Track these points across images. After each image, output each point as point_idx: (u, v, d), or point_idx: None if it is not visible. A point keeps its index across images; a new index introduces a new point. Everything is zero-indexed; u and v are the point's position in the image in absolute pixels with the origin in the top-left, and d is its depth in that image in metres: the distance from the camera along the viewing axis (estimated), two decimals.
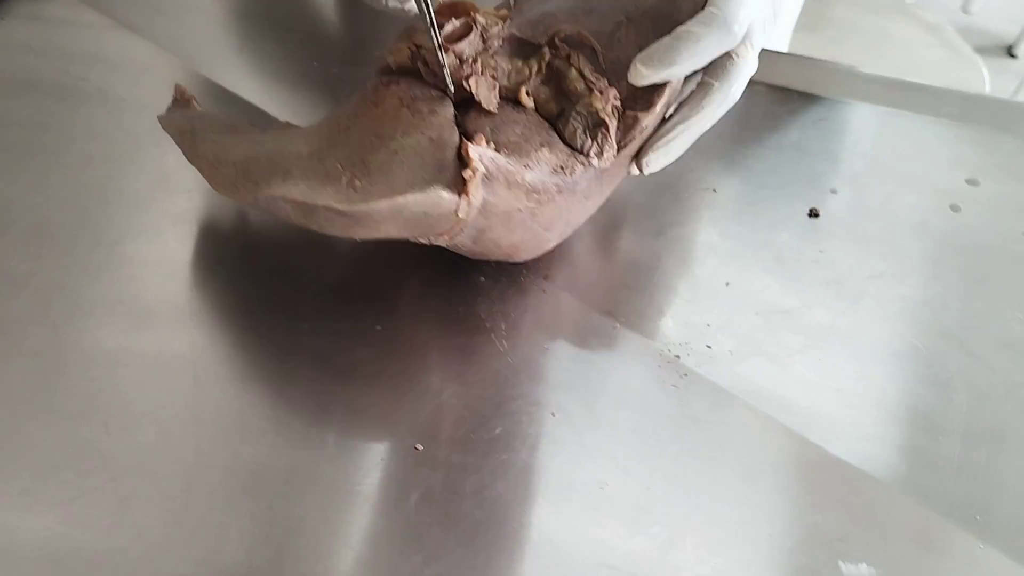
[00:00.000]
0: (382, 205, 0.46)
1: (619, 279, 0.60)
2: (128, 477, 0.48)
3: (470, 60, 0.51)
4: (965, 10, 2.32)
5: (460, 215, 0.48)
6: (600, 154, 0.51)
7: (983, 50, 2.41)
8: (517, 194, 0.49)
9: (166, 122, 0.55)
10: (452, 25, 0.52)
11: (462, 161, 0.47)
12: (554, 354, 0.55)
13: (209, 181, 0.51)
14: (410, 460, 0.50)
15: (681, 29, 0.49)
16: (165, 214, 0.60)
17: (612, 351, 0.56)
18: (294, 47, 0.74)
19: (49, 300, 0.54)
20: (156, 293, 0.56)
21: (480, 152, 0.47)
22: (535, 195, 0.50)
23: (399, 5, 0.50)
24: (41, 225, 0.58)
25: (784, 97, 0.73)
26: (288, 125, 0.57)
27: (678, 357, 0.56)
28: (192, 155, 0.52)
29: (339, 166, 0.48)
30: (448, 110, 0.51)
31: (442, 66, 0.50)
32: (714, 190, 0.65)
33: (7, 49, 0.70)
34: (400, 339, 0.55)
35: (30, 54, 0.70)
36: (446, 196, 0.46)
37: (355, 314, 0.56)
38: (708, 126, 0.53)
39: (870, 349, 0.57)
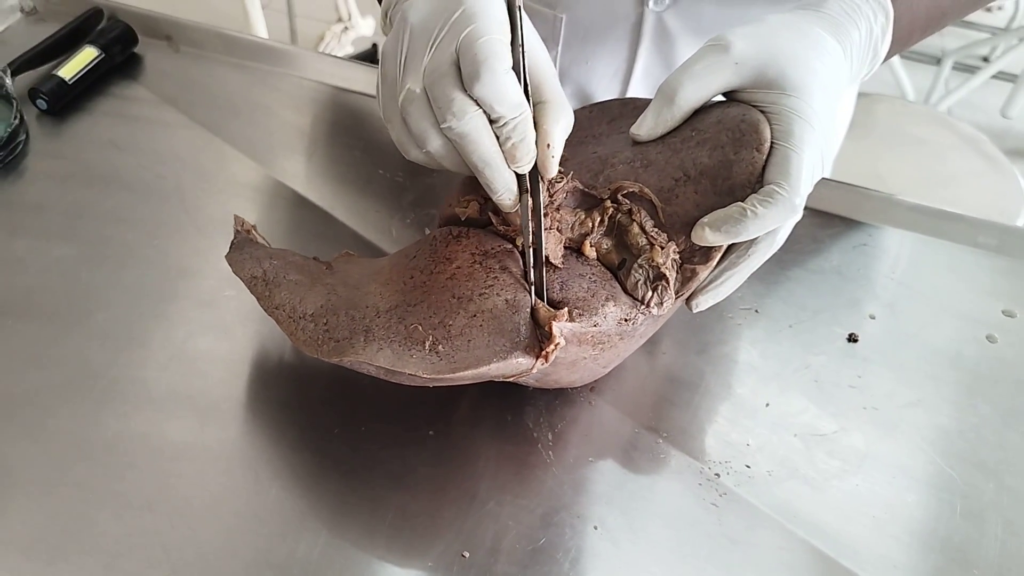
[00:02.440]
0: (466, 374, 0.49)
1: (663, 395, 0.62)
2: (189, 571, 0.50)
3: (540, 213, 0.54)
4: (1004, 114, 2.35)
5: (533, 372, 0.51)
6: (660, 304, 0.54)
7: (1021, 153, 2.45)
8: (584, 347, 0.52)
9: (236, 265, 0.57)
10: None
11: (536, 322, 0.51)
12: (598, 467, 0.58)
13: (290, 337, 0.52)
14: (456, 567, 0.52)
15: (748, 207, 0.50)
16: (234, 312, 0.63)
17: (655, 466, 0.58)
18: (360, 154, 0.78)
19: (123, 392, 0.58)
20: (223, 389, 0.59)
21: (561, 327, 0.50)
22: (600, 345, 0.53)
23: (421, 156, 0.52)
24: (117, 317, 0.62)
25: (827, 221, 0.76)
26: (348, 256, 0.60)
27: (718, 475, 0.58)
28: (268, 306, 0.54)
29: (420, 328, 0.51)
30: (517, 264, 0.54)
31: (539, 278, 0.53)
32: (756, 310, 0.68)
33: (94, 144, 0.75)
34: (451, 445, 0.58)
35: (114, 150, 0.75)
36: (524, 361, 0.50)
37: (409, 419, 0.59)
38: (755, 269, 0.55)
39: (905, 477, 0.58)
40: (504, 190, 0.51)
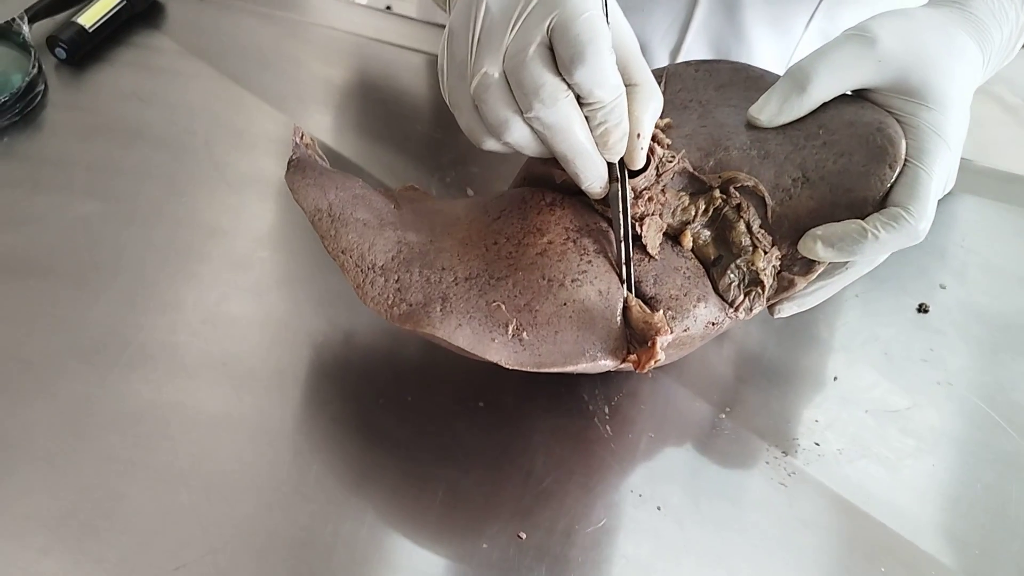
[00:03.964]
0: (551, 369, 0.45)
1: (725, 367, 0.59)
2: (227, 550, 0.47)
3: (646, 196, 0.50)
4: None
5: (613, 371, 0.47)
6: (750, 311, 0.50)
7: None
8: (667, 350, 0.48)
9: (299, 192, 0.50)
10: None
11: (627, 321, 0.47)
12: (658, 443, 0.54)
13: (356, 290, 0.47)
14: (513, 549, 0.48)
15: (869, 228, 0.46)
16: (269, 274, 0.60)
17: (718, 443, 0.55)
18: (396, 108, 0.74)
19: (154, 358, 0.54)
20: (259, 356, 0.55)
21: (664, 341, 0.45)
22: (682, 347, 0.50)
23: (497, 146, 0.47)
24: (147, 280, 0.58)
25: None
26: (414, 191, 0.56)
27: (785, 454, 0.54)
28: (334, 248, 0.48)
29: (504, 308, 0.47)
30: (612, 248, 0.50)
31: (628, 268, 0.49)
32: None
33: (116, 97, 0.71)
34: (502, 418, 0.54)
35: (137, 103, 0.71)
36: (610, 363, 0.46)
37: (458, 389, 0.55)
38: (847, 284, 0.52)
39: (983, 458, 0.55)
40: (596, 178, 0.47)
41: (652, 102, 0.47)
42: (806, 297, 0.52)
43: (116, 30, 0.75)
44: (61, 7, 0.75)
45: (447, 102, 0.49)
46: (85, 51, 0.73)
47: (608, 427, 0.54)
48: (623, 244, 0.49)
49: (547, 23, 0.43)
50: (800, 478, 0.53)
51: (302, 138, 0.54)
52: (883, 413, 0.57)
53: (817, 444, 0.55)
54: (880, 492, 0.53)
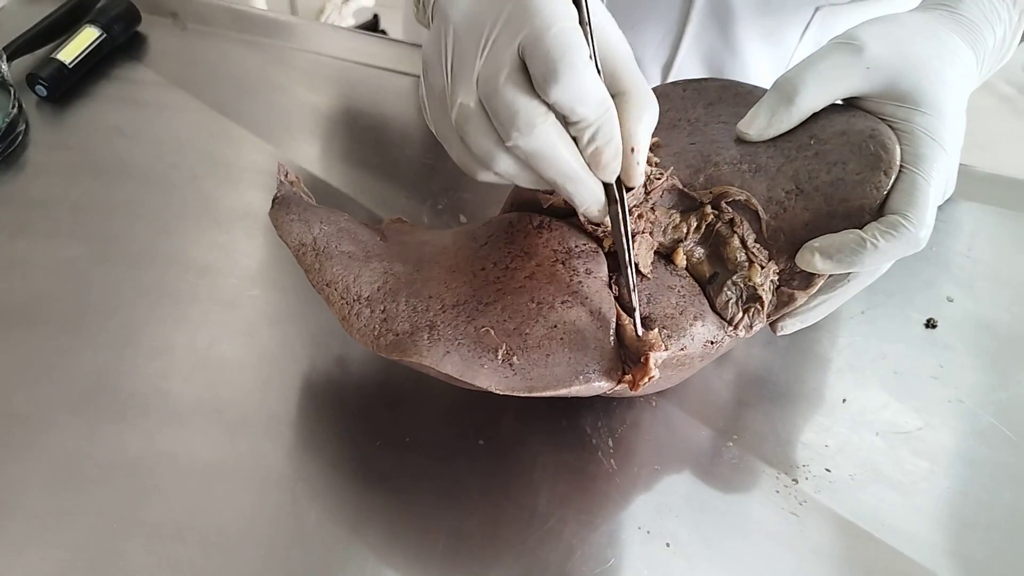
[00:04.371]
0: (543, 393, 0.44)
1: (729, 392, 0.57)
2: None
3: (635, 215, 0.49)
4: None
5: (608, 394, 0.46)
6: (749, 328, 0.49)
7: None
8: (664, 370, 0.46)
9: (282, 227, 0.49)
10: None
11: (621, 342, 0.46)
12: (665, 476, 0.53)
13: (342, 322, 0.46)
14: None
15: (868, 237, 0.45)
16: (260, 313, 0.58)
17: (726, 473, 0.53)
18: (384, 135, 0.72)
19: (145, 406, 0.53)
20: (253, 400, 0.54)
21: (657, 358, 0.44)
22: (680, 367, 0.48)
23: (492, 177, 0.44)
24: (137, 324, 0.57)
25: None
26: (401, 224, 0.55)
27: (796, 481, 0.53)
28: (318, 282, 0.47)
29: (492, 333, 0.45)
30: (603, 268, 0.49)
31: (628, 295, 0.47)
32: None
33: (99, 132, 0.69)
34: (504, 455, 0.53)
35: (122, 139, 0.69)
36: (605, 384, 0.45)
37: (457, 426, 0.54)
38: (850, 297, 0.50)
39: (999, 478, 0.54)
40: (593, 202, 0.43)
41: (646, 111, 0.43)
42: (808, 312, 0.50)
43: (97, 64, 0.74)
44: (39, 43, 0.73)
45: (435, 134, 0.47)
46: (66, 87, 0.71)
47: (612, 461, 0.53)
48: (627, 269, 0.46)
49: (516, 43, 0.39)
50: (812, 507, 0.52)
51: (287, 176, 0.53)
52: (894, 435, 0.55)
53: (828, 470, 0.53)
54: (895, 518, 0.52)
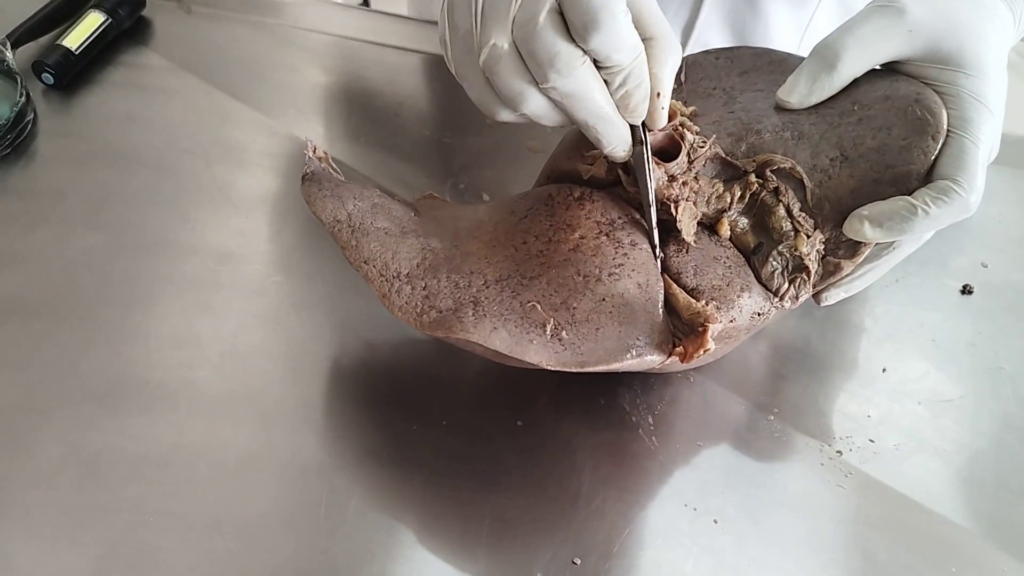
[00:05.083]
0: (595, 368, 0.43)
1: (768, 366, 0.56)
2: None
3: (680, 181, 0.48)
4: None
5: (658, 367, 0.45)
6: (796, 298, 0.48)
7: None
8: (715, 343, 0.45)
9: (316, 204, 0.48)
10: (653, 133, 0.48)
11: (673, 311, 0.45)
12: (708, 452, 0.52)
13: (383, 299, 0.45)
14: None
15: (919, 204, 0.44)
16: (285, 299, 0.57)
17: (770, 448, 0.52)
18: (401, 114, 0.71)
19: (174, 398, 0.51)
20: (283, 388, 0.52)
21: (715, 329, 0.43)
22: (727, 340, 0.47)
23: (512, 117, 0.46)
24: (159, 314, 0.55)
25: None
26: (433, 199, 0.54)
27: (840, 453, 0.52)
28: (356, 259, 0.46)
29: (539, 307, 0.44)
30: (646, 240, 0.48)
31: (652, 218, 0.47)
32: None
33: (109, 120, 0.68)
34: (543, 435, 0.52)
35: (132, 125, 0.67)
36: (657, 358, 0.44)
37: (493, 408, 0.53)
38: (895, 264, 0.50)
39: None
40: (620, 142, 0.45)
41: (671, 56, 0.44)
42: (853, 282, 0.50)
43: (103, 50, 0.72)
44: (44, 30, 0.71)
45: (454, 74, 0.47)
46: (73, 74, 0.70)
47: (653, 438, 0.52)
48: (650, 208, 0.47)
49: None
50: (858, 478, 0.51)
51: (315, 151, 0.52)
52: (937, 403, 0.54)
53: (871, 441, 0.53)
54: (942, 487, 0.51)
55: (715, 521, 0.49)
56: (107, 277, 0.57)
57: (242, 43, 0.76)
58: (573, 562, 0.46)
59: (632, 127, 0.46)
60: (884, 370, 0.56)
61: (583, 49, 0.41)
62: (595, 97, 0.43)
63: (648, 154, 0.46)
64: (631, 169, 0.48)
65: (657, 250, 0.47)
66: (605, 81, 0.43)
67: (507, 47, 0.42)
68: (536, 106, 0.44)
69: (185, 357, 0.53)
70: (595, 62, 0.42)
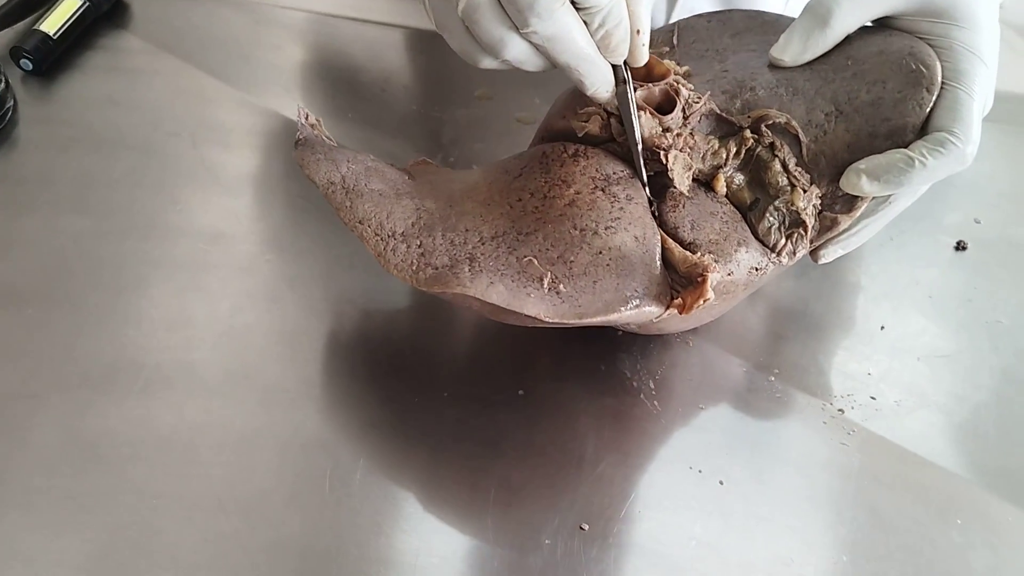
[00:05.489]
0: (593, 320, 0.43)
1: (767, 327, 0.56)
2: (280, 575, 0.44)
3: (674, 132, 0.48)
4: None
5: (656, 320, 0.45)
6: (793, 254, 0.48)
7: None
8: (713, 299, 0.46)
9: (310, 166, 0.48)
10: (648, 90, 0.48)
11: (670, 264, 0.46)
12: (711, 415, 0.52)
13: (379, 258, 0.45)
14: (577, 541, 0.46)
15: (916, 156, 0.44)
16: (279, 276, 0.56)
17: (772, 408, 0.52)
18: (387, 90, 0.70)
19: (171, 379, 0.51)
20: (282, 366, 0.52)
21: (714, 279, 0.44)
22: (724, 295, 0.47)
23: (494, 64, 0.46)
24: (152, 297, 0.55)
25: None
26: (426, 164, 0.54)
27: (842, 411, 0.52)
28: (351, 220, 0.46)
29: (536, 262, 0.44)
30: (643, 194, 0.48)
31: (639, 156, 0.48)
32: None
33: (91, 104, 0.67)
34: (545, 403, 0.52)
35: (114, 108, 0.67)
36: (655, 309, 0.44)
37: (494, 378, 0.52)
38: (891, 219, 0.50)
39: None
40: (603, 83, 0.46)
41: None
42: (850, 238, 0.50)
43: (82, 34, 0.71)
44: (20, 15, 0.70)
45: (434, 24, 0.47)
46: (52, 59, 0.68)
47: (655, 402, 0.52)
48: (637, 147, 0.47)
49: None
50: (861, 435, 0.51)
51: (307, 118, 0.52)
52: (936, 359, 0.55)
53: (873, 398, 0.53)
54: (944, 441, 0.51)
55: (721, 482, 0.49)
56: (97, 262, 0.56)
57: (222, 23, 0.75)
58: (581, 527, 0.46)
59: (614, 67, 0.46)
60: (882, 327, 0.56)
61: None
62: (576, 39, 0.43)
63: (631, 94, 0.47)
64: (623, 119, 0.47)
65: (646, 189, 0.47)
66: (585, 22, 0.43)
67: None
68: (518, 51, 0.44)
69: (181, 339, 0.53)
70: (573, 4, 0.42)
